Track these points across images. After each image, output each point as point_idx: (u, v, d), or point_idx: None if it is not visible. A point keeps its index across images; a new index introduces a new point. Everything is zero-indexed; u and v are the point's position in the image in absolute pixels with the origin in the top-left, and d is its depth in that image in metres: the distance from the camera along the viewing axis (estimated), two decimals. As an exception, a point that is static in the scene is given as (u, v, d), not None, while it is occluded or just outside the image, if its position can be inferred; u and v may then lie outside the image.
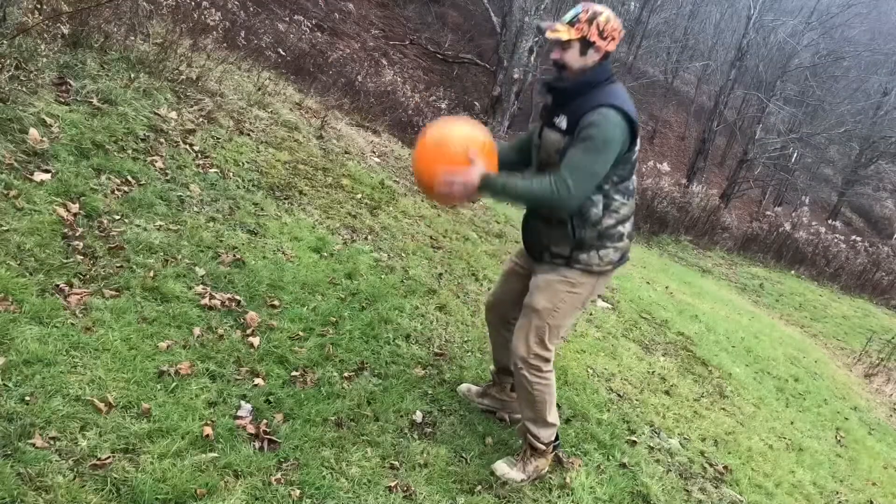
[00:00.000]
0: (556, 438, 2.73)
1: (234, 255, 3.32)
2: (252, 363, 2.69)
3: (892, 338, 8.53)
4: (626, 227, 2.48)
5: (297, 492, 2.17)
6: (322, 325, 3.13)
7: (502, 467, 2.64)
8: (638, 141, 2.37)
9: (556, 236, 2.44)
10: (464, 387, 3.09)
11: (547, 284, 2.50)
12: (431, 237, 4.83)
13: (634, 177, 2.47)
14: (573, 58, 2.33)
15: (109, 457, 2.01)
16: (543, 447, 2.65)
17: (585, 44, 2.31)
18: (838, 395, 6.03)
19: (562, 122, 2.35)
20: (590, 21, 2.28)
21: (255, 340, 2.82)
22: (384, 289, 3.65)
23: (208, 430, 2.25)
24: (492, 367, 3.06)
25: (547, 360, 2.56)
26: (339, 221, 4.29)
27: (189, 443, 2.18)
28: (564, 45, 2.32)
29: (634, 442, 3.24)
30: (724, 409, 4.19)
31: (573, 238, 2.40)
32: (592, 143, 2.23)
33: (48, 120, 3.38)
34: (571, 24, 2.30)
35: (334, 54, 10.96)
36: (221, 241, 3.39)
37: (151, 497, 1.94)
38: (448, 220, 5.43)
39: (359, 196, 4.84)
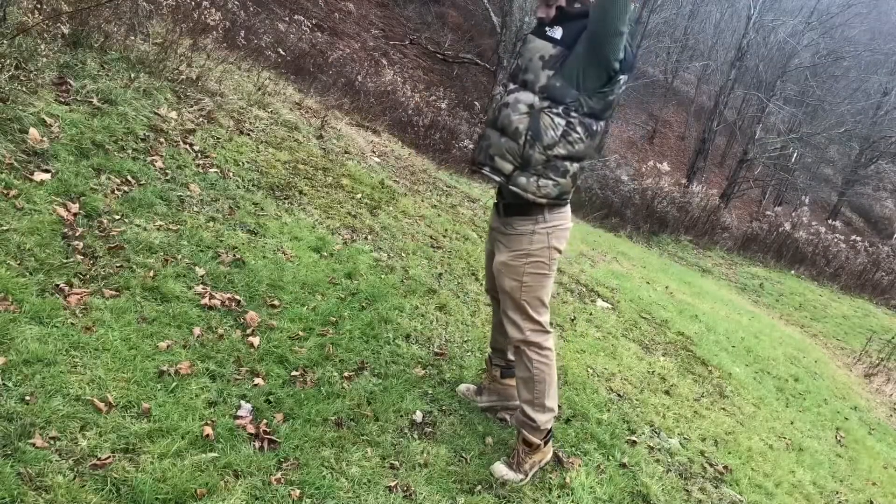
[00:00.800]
0: (550, 432, 2.72)
1: (234, 255, 3.32)
2: (252, 363, 2.69)
3: (892, 338, 8.53)
4: (574, 167, 2.39)
5: (297, 492, 2.17)
6: (322, 324, 3.13)
7: (500, 469, 2.63)
8: (616, 89, 2.31)
9: (504, 149, 2.37)
10: (462, 387, 3.09)
11: (504, 266, 2.51)
12: (431, 237, 4.83)
13: (603, 123, 2.40)
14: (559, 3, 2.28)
15: (109, 456, 2.01)
16: (537, 441, 2.63)
17: None
18: (838, 394, 6.03)
19: (556, 32, 2.26)
20: None
21: (255, 340, 2.82)
22: (384, 289, 3.65)
23: (208, 430, 2.25)
24: (488, 350, 3.06)
25: (544, 333, 2.55)
26: (339, 221, 4.29)
27: (189, 442, 2.18)
28: None
29: (634, 442, 3.24)
30: (724, 408, 4.19)
31: (520, 153, 2.34)
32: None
33: (48, 120, 3.38)
34: None
35: (334, 54, 10.97)
36: (221, 240, 3.39)
37: (151, 497, 1.94)
38: (448, 220, 5.43)
39: (359, 196, 4.84)
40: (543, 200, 2.39)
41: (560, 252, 2.53)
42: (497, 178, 2.42)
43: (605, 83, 2.27)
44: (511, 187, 2.39)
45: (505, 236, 2.52)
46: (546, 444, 2.69)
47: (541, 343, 2.54)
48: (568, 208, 2.53)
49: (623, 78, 2.30)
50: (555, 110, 2.29)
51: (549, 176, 2.36)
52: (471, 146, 11.15)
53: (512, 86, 2.40)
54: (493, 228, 2.63)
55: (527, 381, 2.59)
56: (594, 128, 2.36)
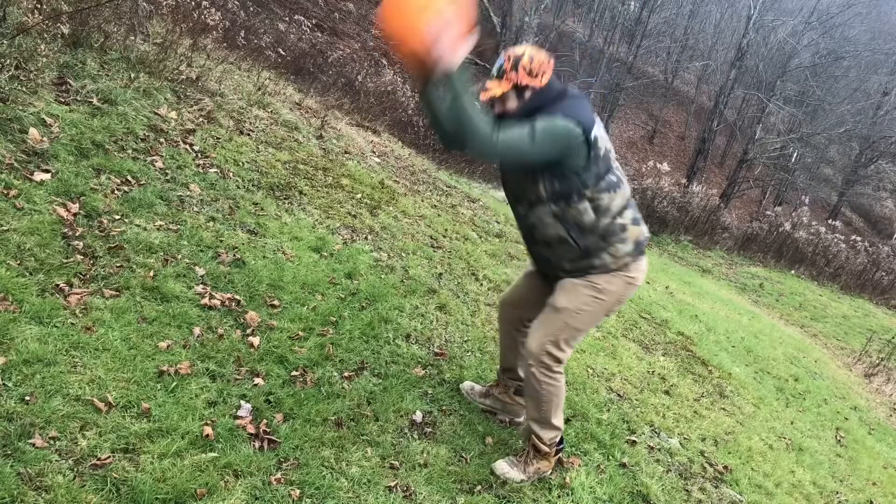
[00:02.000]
0: (561, 442, 2.73)
1: (234, 255, 3.32)
2: (252, 363, 2.69)
3: (892, 338, 8.54)
4: (627, 216, 2.45)
5: (297, 491, 2.17)
6: (322, 324, 3.13)
7: (502, 466, 2.64)
8: (600, 142, 2.34)
9: (562, 254, 2.45)
10: (467, 384, 3.09)
11: (573, 286, 2.49)
12: (431, 237, 4.83)
13: (615, 165, 2.44)
14: (514, 106, 2.36)
15: (109, 456, 2.01)
16: (546, 449, 2.65)
17: (519, 89, 2.34)
18: (838, 394, 6.03)
19: None
20: (514, 67, 2.32)
21: (255, 340, 2.82)
22: (384, 288, 3.65)
23: (208, 430, 2.25)
24: (497, 366, 3.07)
25: (559, 361, 2.55)
26: (339, 221, 4.29)
27: (189, 442, 2.18)
28: (501, 98, 2.35)
29: (634, 442, 3.24)
30: (723, 408, 4.19)
31: (578, 248, 2.41)
32: (533, 127, 2.20)
33: (48, 120, 3.38)
34: (499, 77, 2.34)
35: (334, 54, 10.96)
36: (221, 240, 3.39)
37: (151, 497, 1.94)
38: (448, 220, 5.43)
39: (359, 196, 4.83)
40: (628, 259, 2.46)
41: (619, 306, 2.58)
42: (581, 275, 2.49)
43: (587, 152, 2.29)
44: (594, 272, 2.46)
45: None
46: (556, 455, 2.70)
47: (551, 366, 2.54)
48: (645, 260, 2.58)
49: (595, 133, 2.31)
50: (573, 201, 2.34)
51: (614, 242, 2.42)
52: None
53: (522, 208, 2.47)
54: None
55: (535, 399, 2.60)
56: (614, 179, 2.40)
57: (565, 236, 2.39)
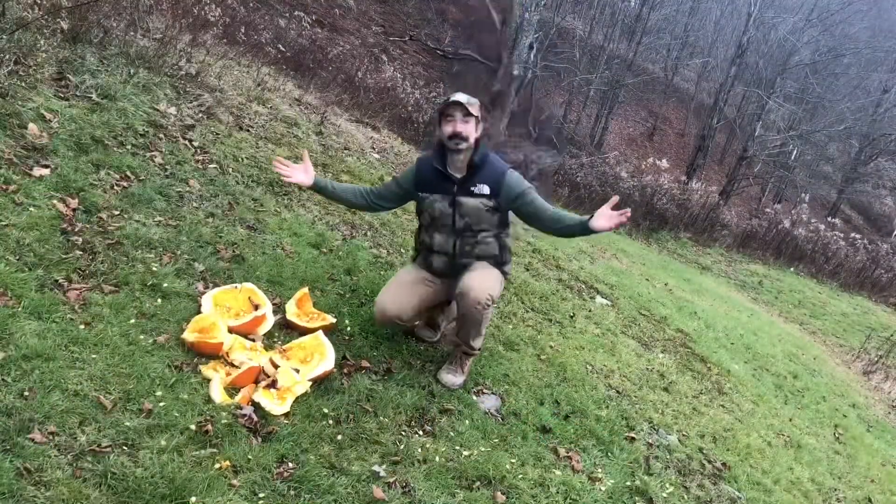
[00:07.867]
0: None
1: (234, 251, 3.32)
2: (251, 359, 2.68)
3: (891, 335, 8.56)
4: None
5: (297, 487, 2.17)
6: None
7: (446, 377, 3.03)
8: None
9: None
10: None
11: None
12: (431, 233, 4.82)
13: None
14: (472, 131, 2.92)
15: (109, 451, 2.01)
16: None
17: (478, 121, 2.95)
18: (837, 392, 6.04)
19: (483, 188, 2.95)
20: (478, 106, 2.95)
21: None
22: (383, 285, 3.64)
23: (208, 426, 2.25)
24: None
25: None
26: (339, 217, 4.29)
27: (188, 438, 2.18)
28: (467, 119, 2.88)
29: (633, 438, 3.24)
30: (722, 405, 4.20)
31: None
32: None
33: (47, 115, 3.38)
34: (471, 105, 2.88)
35: (334, 50, 10.94)
36: (221, 236, 3.39)
37: (150, 492, 1.94)
38: (447, 217, 5.42)
39: (358, 192, 4.83)
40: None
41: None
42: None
43: None
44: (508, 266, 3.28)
45: None
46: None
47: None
48: None
49: None
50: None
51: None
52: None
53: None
54: None
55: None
56: None
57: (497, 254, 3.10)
